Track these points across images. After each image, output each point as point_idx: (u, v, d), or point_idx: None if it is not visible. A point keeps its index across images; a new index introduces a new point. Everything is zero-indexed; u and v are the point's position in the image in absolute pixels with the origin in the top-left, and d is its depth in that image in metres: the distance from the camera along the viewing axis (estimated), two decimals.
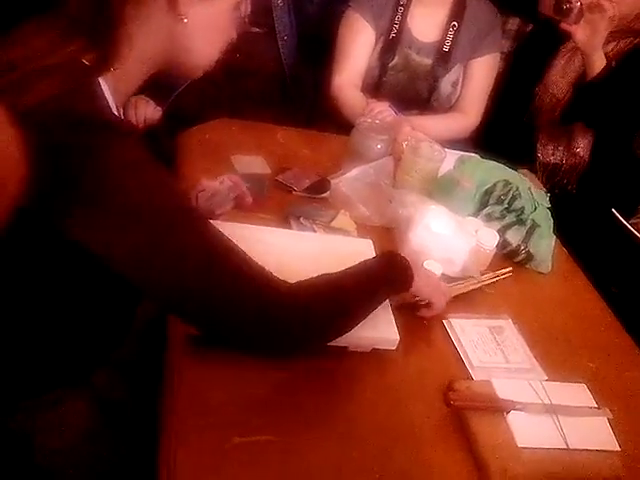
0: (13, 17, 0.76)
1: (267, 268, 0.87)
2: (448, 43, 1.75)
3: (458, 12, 1.74)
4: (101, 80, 0.80)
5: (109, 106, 0.81)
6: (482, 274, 1.24)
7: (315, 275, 0.94)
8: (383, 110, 1.57)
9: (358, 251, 1.17)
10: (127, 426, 0.99)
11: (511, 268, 1.29)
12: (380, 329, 1.01)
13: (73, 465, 0.93)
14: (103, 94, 0.80)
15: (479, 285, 1.22)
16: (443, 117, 1.79)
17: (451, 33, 1.75)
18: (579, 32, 1.61)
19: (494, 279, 1.25)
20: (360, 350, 1.00)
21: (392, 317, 1.03)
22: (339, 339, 0.96)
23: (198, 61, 0.92)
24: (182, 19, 0.83)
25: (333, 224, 1.26)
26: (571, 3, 1.58)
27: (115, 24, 0.79)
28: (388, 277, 0.99)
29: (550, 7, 1.61)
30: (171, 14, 0.83)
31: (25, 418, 0.90)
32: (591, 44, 1.62)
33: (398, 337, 1.00)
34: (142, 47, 0.84)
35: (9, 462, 0.90)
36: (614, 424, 0.98)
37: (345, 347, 0.99)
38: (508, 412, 0.95)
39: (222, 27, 0.91)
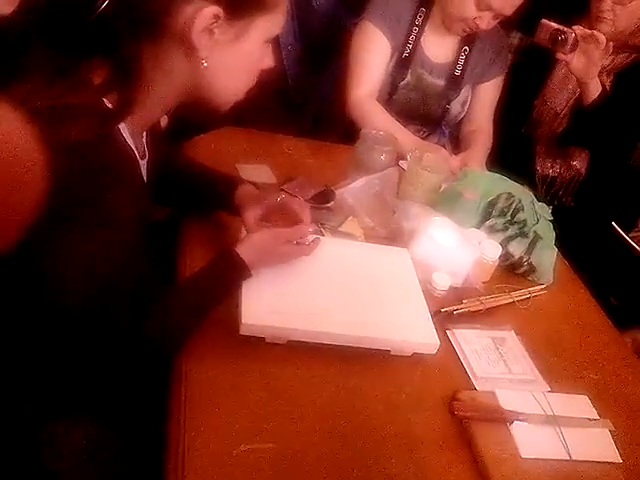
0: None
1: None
2: (460, 67, 1.76)
3: (470, 37, 1.75)
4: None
5: (125, 147, 0.83)
6: (512, 290, 1.26)
7: (348, 285, 1.07)
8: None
9: (394, 260, 1.21)
10: (133, 433, 0.99)
11: (545, 285, 1.32)
12: (420, 334, 1.06)
13: (80, 470, 0.94)
14: (123, 138, 0.82)
15: (511, 300, 1.25)
16: (480, 145, 1.77)
17: (462, 57, 1.76)
18: (574, 62, 1.64)
19: (527, 296, 1.27)
20: (401, 354, 1.03)
21: (431, 323, 1.07)
22: (381, 343, 1.02)
23: (222, 99, 0.91)
24: (202, 63, 0.82)
25: (341, 228, 1.28)
26: (565, 34, 1.60)
27: (133, 68, 0.77)
28: (216, 287, 0.99)
29: (545, 38, 1.64)
30: (190, 59, 0.81)
31: (32, 426, 0.91)
32: (586, 73, 1.65)
33: (438, 342, 1.04)
34: (161, 90, 0.83)
35: (16, 465, 0.90)
36: (616, 436, 1.00)
37: (388, 350, 1.03)
38: (511, 423, 0.96)
39: (247, 66, 0.89)
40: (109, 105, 0.78)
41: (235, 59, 0.86)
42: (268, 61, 0.93)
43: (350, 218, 1.31)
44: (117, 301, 0.84)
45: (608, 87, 1.76)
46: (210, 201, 1.19)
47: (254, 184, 1.21)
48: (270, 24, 0.86)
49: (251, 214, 1.11)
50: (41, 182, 0.46)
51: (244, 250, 1.00)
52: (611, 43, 1.60)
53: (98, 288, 0.81)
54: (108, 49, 0.75)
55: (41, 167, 0.46)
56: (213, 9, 0.78)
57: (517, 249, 1.32)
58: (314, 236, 1.10)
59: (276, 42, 1.85)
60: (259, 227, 1.08)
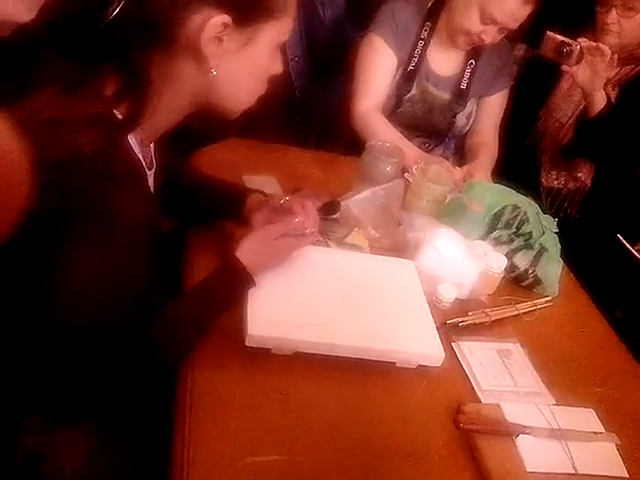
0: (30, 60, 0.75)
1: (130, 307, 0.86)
2: (465, 81, 1.77)
3: (475, 50, 1.76)
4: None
5: (134, 157, 0.84)
6: (517, 302, 1.26)
7: (354, 296, 1.08)
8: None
9: (400, 272, 1.21)
10: (137, 442, 0.99)
11: (550, 297, 1.32)
12: (426, 346, 1.06)
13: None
14: (131, 148, 0.83)
15: (517, 312, 1.24)
16: (485, 157, 1.77)
17: (468, 71, 1.77)
18: (580, 74, 1.64)
19: (532, 308, 1.27)
20: (407, 366, 1.03)
21: (437, 335, 1.08)
22: (386, 354, 1.02)
23: (233, 107, 0.91)
24: (212, 72, 0.83)
25: (347, 240, 1.29)
26: (571, 46, 1.61)
27: (142, 78, 0.78)
28: (218, 295, 1.00)
29: (551, 51, 1.65)
30: (200, 68, 0.82)
31: (35, 438, 0.91)
32: (592, 85, 1.66)
33: (443, 354, 1.04)
34: (171, 100, 0.84)
35: (20, 474, 0.90)
36: (622, 450, 0.99)
37: (393, 363, 1.03)
38: (517, 436, 0.96)
39: (256, 72, 0.90)
40: (119, 116, 0.79)
41: (244, 66, 0.86)
42: (277, 66, 0.93)
43: (356, 229, 1.31)
44: (121, 311, 0.85)
45: (613, 99, 1.76)
46: (220, 210, 1.20)
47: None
48: (277, 30, 0.87)
49: (260, 219, 1.12)
50: (25, 190, 0.47)
51: (241, 254, 1.01)
52: (616, 55, 1.60)
53: (102, 298, 0.81)
54: (119, 59, 0.76)
55: (26, 176, 0.46)
56: (222, 17, 0.79)
57: (522, 261, 1.32)
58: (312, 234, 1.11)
59: (283, 54, 1.87)
60: None
